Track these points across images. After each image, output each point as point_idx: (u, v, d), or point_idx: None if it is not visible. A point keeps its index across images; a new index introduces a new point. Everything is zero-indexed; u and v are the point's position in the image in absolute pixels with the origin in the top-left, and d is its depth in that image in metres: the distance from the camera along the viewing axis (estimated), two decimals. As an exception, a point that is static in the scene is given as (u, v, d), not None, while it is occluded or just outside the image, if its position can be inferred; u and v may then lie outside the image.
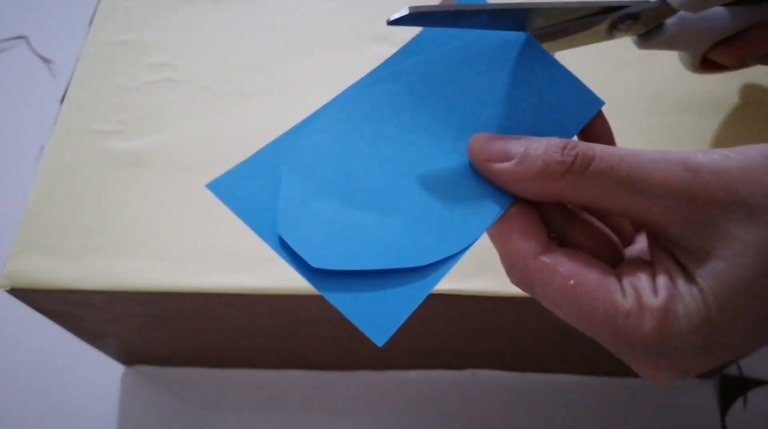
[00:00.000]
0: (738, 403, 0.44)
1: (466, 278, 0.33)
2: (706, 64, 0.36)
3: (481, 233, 0.21)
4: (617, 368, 0.44)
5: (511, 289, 0.33)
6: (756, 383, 0.45)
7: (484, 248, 0.34)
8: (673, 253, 0.20)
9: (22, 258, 0.34)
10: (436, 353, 0.43)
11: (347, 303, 0.20)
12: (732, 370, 0.45)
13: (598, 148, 0.20)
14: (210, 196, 0.36)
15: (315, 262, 0.19)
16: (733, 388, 0.45)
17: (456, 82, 0.23)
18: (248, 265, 0.34)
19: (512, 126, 0.23)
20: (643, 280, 0.19)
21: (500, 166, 0.21)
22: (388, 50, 0.41)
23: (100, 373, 0.47)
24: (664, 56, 0.39)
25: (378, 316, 0.20)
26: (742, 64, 0.34)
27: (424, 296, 0.21)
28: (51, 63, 0.63)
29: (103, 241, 0.35)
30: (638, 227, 0.24)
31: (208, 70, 0.41)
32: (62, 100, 0.40)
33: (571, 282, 0.20)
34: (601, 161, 0.19)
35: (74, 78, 0.40)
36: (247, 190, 0.21)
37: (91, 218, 0.35)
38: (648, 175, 0.19)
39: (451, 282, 0.33)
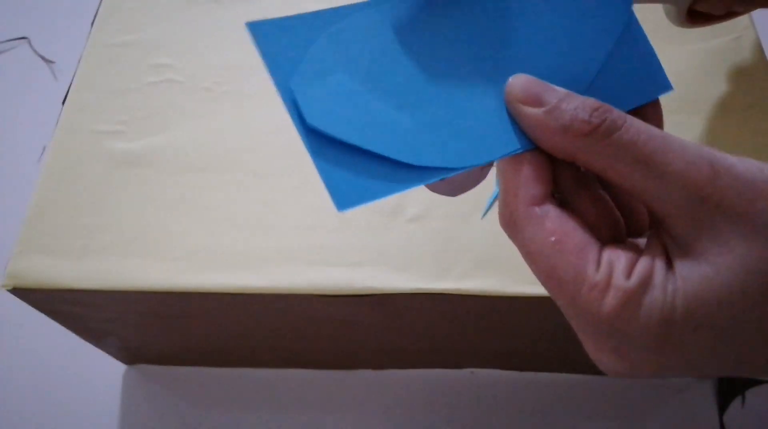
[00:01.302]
0: (736, 403, 0.45)
1: (466, 278, 0.34)
2: (693, 16, 0.35)
3: (488, 160, 0.21)
4: (616, 368, 0.45)
5: (511, 289, 0.33)
6: (754, 382, 0.45)
7: (485, 248, 0.34)
8: (665, 244, 0.20)
9: (24, 258, 0.34)
10: (436, 352, 0.43)
11: (327, 165, 0.20)
12: (730, 369, 0.45)
13: (629, 120, 0.19)
14: (210, 196, 0.36)
15: (311, 119, 0.20)
16: (731, 387, 0.45)
17: (522, 10, 0.22)
18: (248, 265, 0.34)
19: (563, 77, 0.22)
20: (622, 259, 0.19)
21: (530, 110, 0.20)
22: (388, 51, 0.41)
23: (101, 372, 0.47)
24: (666, 57, 0.39)
25: (349, 187, 0.20)
26: (729, 12, 0.33)
27: (402, 190, 0.20)
28: (53, 64, 0.63)
29: (105, 241, 0.35)
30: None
31: (209, 71, 0.41)
32: (64, 101, 0.40)
33: (552, 238, 0.20)
34: (627, 132, 0.19)
35: (76, 79, 0.41)
36: (281, 40, 0.21)
37: (93, 218, 0.36)
38: (670, 162, 0.19)
39: (451, 282, 0.33)
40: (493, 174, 0.37)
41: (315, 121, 0.20)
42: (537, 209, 0.20)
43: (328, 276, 0.34)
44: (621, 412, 0.45)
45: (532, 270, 0.21)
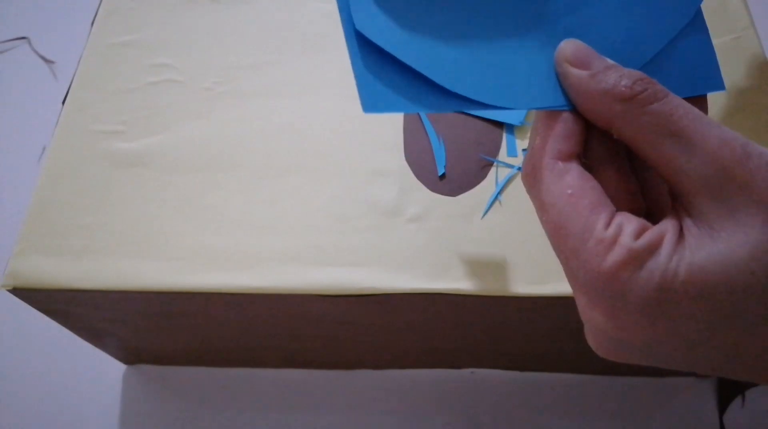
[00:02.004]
0: (736, 403, 0.45)
1: (466, 278, 0.34)
2: None
3: (525, 107, 0.22)
4: (617, 367, 0.45)
5: (511, 289, 0.33)
6: (754, 383, 0.45)
7: (485, 248, 0.34)
8: (681, 220, 0.20)
9: (24, 258, 0.34)
10: (436, 352, 0.43)
11: (364, 68, 0.21)
12: (730, 369, 0.45)
13: (670, 95, 0.20)
14: (210, 196, 0.36)
15: (359, 24, 0.21)
16: (731, 387, 0.45)
17: None
18: (248, 265, 0.34)
19: (617, 53, 0.22)
20: (633, 223, 0.19)
21: (576, 71, 0.21)
22: (388, 51, 0.41)
23: (101, 372, 0.47)
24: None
25: (380, 93, 0.21)
26: None
27: (428, 110, 0.21)
28: (53, 64, 0.63)
29: (105, 241, 0.35)
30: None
31: (209, 70, 0.41)
32: (64, 101, 0.40)
33: (569, 191, 0.20)
34: (666, 104, 0.19)
35: (76, 79, 0.41)
36: None
37: (93, 218, 0.36)
38: (703, 138, 0.19)
39: (451, 282, 0.33)
40: (493, 174, 0.37)
41: (362, 27, 0.21)
42: (560, 164, 0.21)
43: (328, 276, 0.34)
44: (621, 412, 0.45)
45: (543, 221, 0.21)
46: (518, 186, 0.36)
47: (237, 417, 0.45)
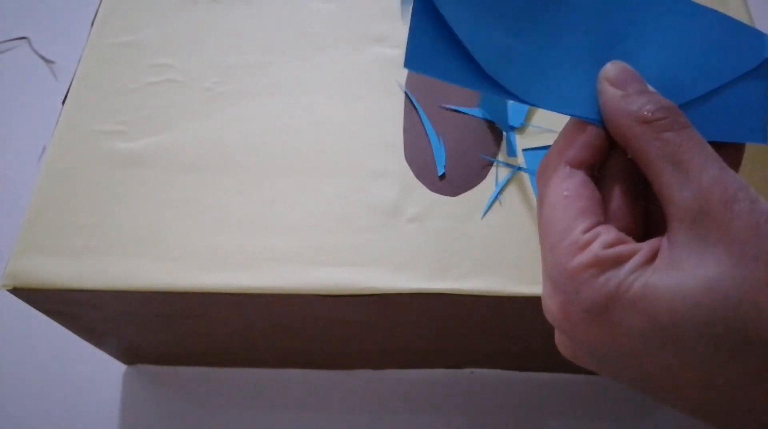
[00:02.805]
0: (736, 403, 0.45)
1: (466, 278, 0.34)
2: None
3: (557, 110, 0.23)
4: (616, 368, 0.45)
5: (511, 289, 0.33)
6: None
7: (485, 248, 0.34)
8: (661, 246, 0.20)
9: (24, 258, 0.34)
10: (435, 352, 0.43)
11: (419, 26, 0.21)
12: (730, 369, 0.45)
13: (690, 130, 0.21)
14: (210, 196, 0.36)
15: None
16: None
17: (659, 10, 0.23)
18: (248, 265, 0.34)
19: (666, 84, 0.23)
20: (611, 235, 0.20)
21: (612, 89, 0.22)
22: (389, 51, 0.41)
23: (101, 372, 0.47)
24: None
25: (426, 54, 0.21)
26: None
27: (466, 87, 0.22)
28: (53, 64, 0.63)
29: (105, 240, 0.35)
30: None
31: (209, 71, 0.41)
32: (64, 101, 0.40)
33: (565, 193, 0.22)
34: (679, 135, 0.20)
35: (76, 79, 0.41)
36: None
37: (93, 218, 0.36)
38: (700, 174, 0.20)
39: (451, 282, 0.33)
40: (493, 174, 0.37)
41: None
42: (568, 168, 0.22)
43: (328, 276, 0.34)
44: (621, 412, 0.45)
45: (538, 215, 0.23)
46: (518, 186, 0.36)
47: (237, 417, 0.45)
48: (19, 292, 0.34)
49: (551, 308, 0.21)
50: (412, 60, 0.21)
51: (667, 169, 0.20)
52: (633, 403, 0.45)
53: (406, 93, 0.40)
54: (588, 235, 0.20)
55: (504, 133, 0.38)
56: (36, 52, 0.64)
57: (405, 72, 0.40)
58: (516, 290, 0.33)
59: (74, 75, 0.41)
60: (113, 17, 0.43)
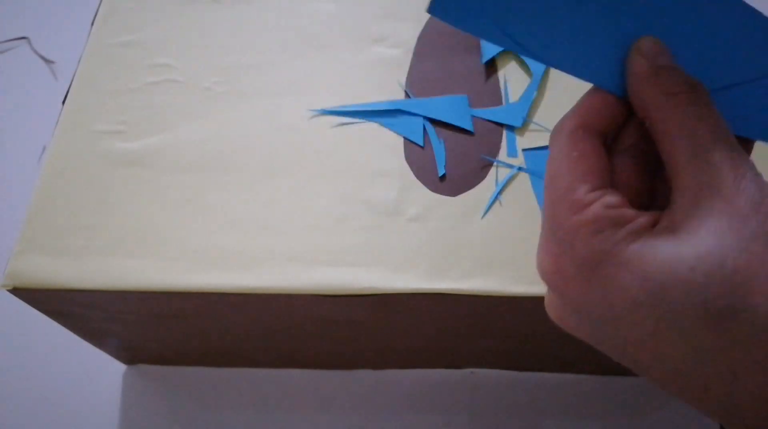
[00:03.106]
0: (736, 403, 0.45)
1: (466, 278, 0.34)
2: None
3: (581, 76, 0.23)
4: (617, 367, 0.45)
5: (511, 289, 0.33)
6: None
7: (485, 248, 0.34)
8: (663, 217, 0.21)
9: (24, 258, 0.34)
10: (435, 352, 0.43)
11: None
12: (730, 369, 0.45)
13: (713, 108, 0.21)
14: (210, 196, 0.36)
15: None
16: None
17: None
18: (248, 265, 0.34)
19: (694, 69, 0.22)
20: (615, 198, 0.21)
21: (641, 60, 0.22)
22: (389, 51, 0.41)
23: (101, 372, 0.47)
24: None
25: (452, 3, 0.21)
26: None
27: (489, 40, 0.22)
28: (53, 64, 0.63)
29: (105, 240, 0.35)
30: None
31: (209, 70, 0.41)
32: (64, 101, 0.40)
33: (575, 154, 0.22)
34: (701, 111, 0.21)
35: (76, 79, 0.41)
36: None
37: (93, 218, 0.36)
38: (713, 149, 0.20)
39: (451, 282, 0.33)
40: (493, 174, 0.37)
41: None
42: (581, 131, 0.22)
43: (328, 276, 0.34)
44: (621, 412, 0.45)
45: (546, 172, 0.23)
46: (518, 186, 0.36)
47: (237, 417, 0.45)
48: (19, 292, 0.34)
49: (544, 261, 0.22)
50: (437, 6, 0.21)
51: (682, 140, 0.20)
52: (633, 403, 0.45)
53: (406, 92, 0.40)
54: (591, 195, 0.21)
55: (504, 132, 0.38)
56: (36, 52, 0.64)
57: (405, 72, 0.40)
58: (516, 290, 0.33)
59: (74, 75, 0.41)
60: (113, 17, 0.43)
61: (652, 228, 0.20)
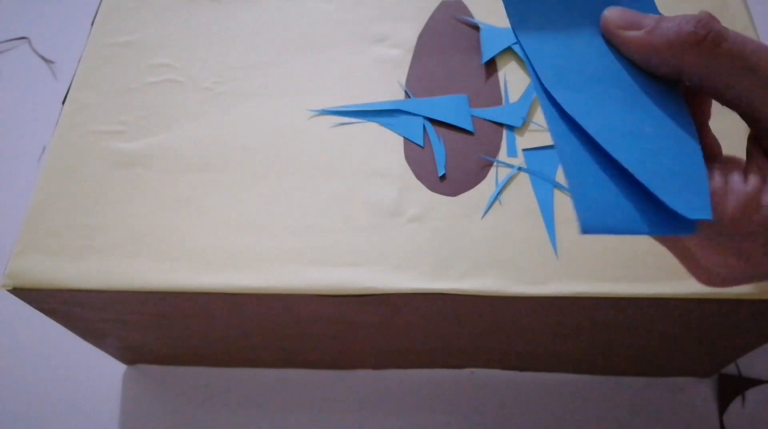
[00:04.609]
0: (736, 403, 0.45)
1: (466, 278, 0.34)
2: None
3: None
4: (616, 367, 0.45)
5: (511, 289, 0.33)
6: (754, 382, 0.45)
7: (485, 248, 0.34)
8: (766, 151, 0.20)
9: (24, 258, 0.34)
10: (436, 352, 0.43)
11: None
12: (730, 369, 0.45)
13: (731, 32, 0.20)
14: (210, 196, 0.36)
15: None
16: (731, 388, 0.45)
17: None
18: (248, 265, 0.34)
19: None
20: (733, 170, 0.20)
21: (631, 33, 0.21)
22: (389, 51, 0.41)
23: (101, 372, 0.47)
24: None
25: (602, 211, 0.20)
26: None
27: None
28: (53, 64, 0.63)
29: (105, 240, 0.35)
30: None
31: (209, 70, 0.41)
32: (64, 101, 0.40)
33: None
34: (734, 42, 0.20)
35: (76, 79, 0.41)
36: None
37: (93, 218, 0.36)
38: None
39: (451, 282, 0.33)
40: (493, 174, 0.37)
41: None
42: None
43: (328, 276, 0.34)
44: (621, 412, 0.45)
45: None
46: (518, 186, 0.36)
47: (237, 417, 0.45)
48: (19, 292, 0.34)
49: (733, 263, 0.21)
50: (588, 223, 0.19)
51: (745, 79, 0.19)
52: (633, 403, 0.45)
53: (406, 92, 0.40)
54: (717, 180, 0.20)
55: (504, 132, 0.38)
56: (36, 52, 0.64)
57: (405, 72, 0.40)
58: (516, 290, 0.33)
59: (74, 75, 0.41)
60: (113, 17, 0.43)
61: None
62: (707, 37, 0.20)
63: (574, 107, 0.21)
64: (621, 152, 0.20)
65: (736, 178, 0.20)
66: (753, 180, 0.19)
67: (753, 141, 0.21)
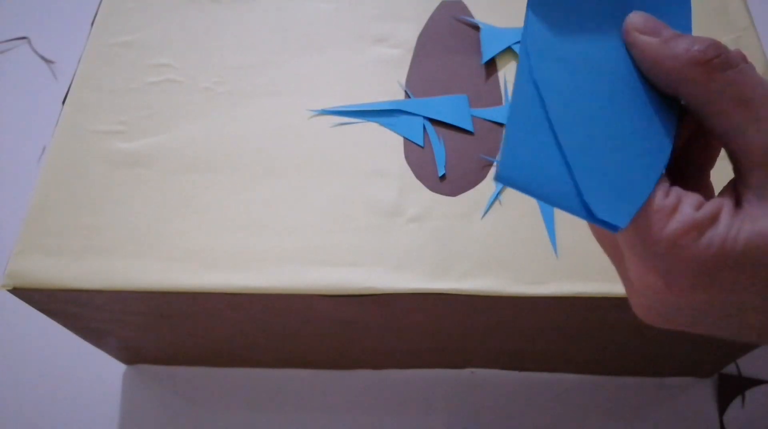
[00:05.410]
0: (736, 403, 0.45)
1: (466, 278, 0.34)
2: None
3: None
4: (616, 367, 0.45)
5: (511, 289, 0.33)
6: (754, 382, 0.45)
7: (485, 248, 0.34)
8: (739, 192, 0.20)
9: (24, 258, 0.34)
10: (436, 352, 0.43)
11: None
12: (730, 369, 0.45)
13: (743, 64, 0.20)
14: (210, 196, 0.36)
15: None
16: (731, 388, 0.45)
17: None
18: (248, 265, 0.34)
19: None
20: (691, 196, 0.20)
21: (646, 38, 0.21)
22: (389, 51, 0.41)
23: (101, 372, 0.47)
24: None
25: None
26: None
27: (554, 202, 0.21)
28: (53, 64, 0.63)
29: (105, 240, 0.35)
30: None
31: (208, 70, 0.41)
32: (64, 101, 0.40)
33: None
34: (740, 73, 0.19)
35: (76, 79, 0.41)
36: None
37: (93, 218, 0.36)
38: None
39: (451, 282, 0.33)
40: (492, 175, 0.37)
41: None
42: None
43: (327, 276, 0.34)
44: (621, 412, 0.45)
45: None
46: (518, 186, 0.36)
47: (237, 417, 0.45)
48: (19, 292, 0.34)
49: (653, 284, 0.20)
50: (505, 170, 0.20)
51: (735, 110, 0.19)
52: (633, 403, 0.45)
53: (406, 92, 0.40)
54: (671, 199, 0.19)
55: (504, 132, 0.38)
56: (36, 52, 0.64)
57: (405, 72, 0.40)
58: (516, 290, 0.33)
59: (74, 75, 0.41)
60: (113, 17, 0.43)
61: (739, 211, 0.19)
62: (714, 59, 0.20)
63: (544, 74, 0.21)
64: (569, 129, 0.20)
65: (688, 203, 0.19)
66: (707, 209, 0.19)
67: (730, 183, 0.21)
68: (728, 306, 0.20)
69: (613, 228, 0.20)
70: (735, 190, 0.20)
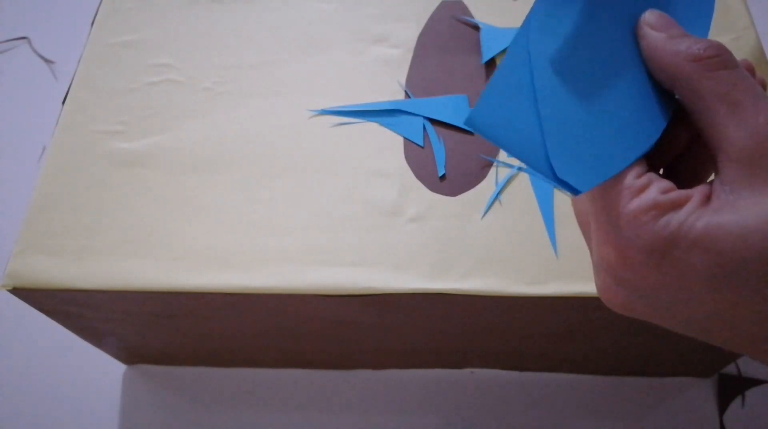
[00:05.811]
0: (736, 403, 0.45)
1: (466, 278, 0.34)
2: None
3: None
4: (616, 368, 0.45)
5: (511, 289, 0.33)
6: (754, 382, 0.45)
7: (485, 248, 0.34)
8: (713, 190, 0.20)
9: (24, 258, 0.34)
10: (436, 352, 0.43)
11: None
12: (730, 369, 0.45)
13: (741, 69, 0.21)
14: (210, 196, 0.36)
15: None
16: (731, 388, 0.45)
17: None
18: (248, 265, 0.34)
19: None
20: (663, 182, 0.20)
21: (654, 32, 0.22)
22: (389, 51, 0.41)
23: (101, 372, 0.47)
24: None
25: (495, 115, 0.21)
26: None
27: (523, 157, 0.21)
28: (53, 64, 0.63)
29: (105, 240, 0.35)
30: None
31: (209, 70, 0.41)
32: (64, 101, 0.40)
33: None
34: (732, 74, 0.20)
35: (76, 79, 0.41)
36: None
37: (93, 218, 0.36)
38: (756, 113, 0.20)
39: (451, 282, 0.33)
40: (493, 174, 0.37)
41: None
42: None
43: (327, 276, 0.34)
44: (621, 412, 0.45)
45: None
46: (518, 186, 0.36)
47: (237, 417, 0.45)
48: (19, 292, 0.34)
49: (607, 255, 0.21)
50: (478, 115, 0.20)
51: (722, 108, 0.20)
52: (633, 403, 0.45)
53: (406, 92, 0.40)
54: (642, 180, 0.20)
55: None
56: (36, 52, 0.64)
57: (405, 72, 0.40)
58: (516, 290, 0.33)
59: (74, 75, 0.41)
60: (113, 17, 0.43)
61: (706, 204, 0.20)
62: (711, 58, 0.21)
63: (538, 46, 0.22)
64: (551, 98, 0.21)
65: (657, 187, 0.20)
66: (674, 196, 0.20)
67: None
68: (676, 289, 0.20)
69: (574, 191, 0.21)
70: (710, 185, 0.21)
